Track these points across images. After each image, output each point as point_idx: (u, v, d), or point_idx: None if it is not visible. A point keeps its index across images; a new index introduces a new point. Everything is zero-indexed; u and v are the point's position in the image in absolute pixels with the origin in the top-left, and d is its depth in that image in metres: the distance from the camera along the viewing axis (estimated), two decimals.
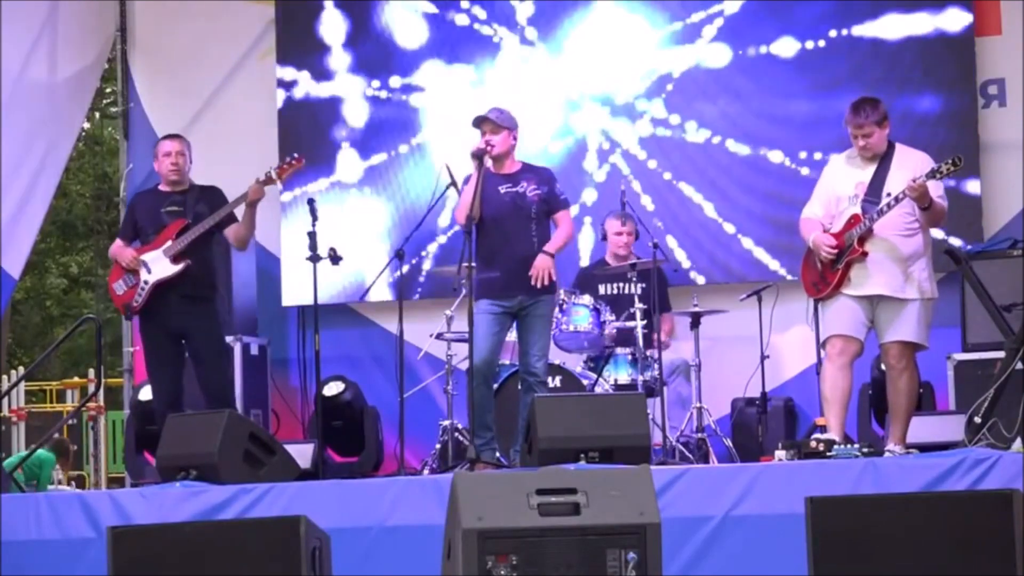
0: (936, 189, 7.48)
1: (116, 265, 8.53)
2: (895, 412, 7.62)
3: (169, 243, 8.35)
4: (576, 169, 10.38)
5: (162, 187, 8.61)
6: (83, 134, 20.64)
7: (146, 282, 8.35)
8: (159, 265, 8.34)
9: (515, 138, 8.23)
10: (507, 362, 8.81)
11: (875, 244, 7.52)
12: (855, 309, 7.58)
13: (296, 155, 8.50)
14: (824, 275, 7.64)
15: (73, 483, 15.93)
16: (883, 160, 7.62)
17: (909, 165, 7.53)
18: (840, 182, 7.71)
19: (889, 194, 7.47)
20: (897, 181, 7.48)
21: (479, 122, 8.17)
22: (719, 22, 10.21)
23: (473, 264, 7.94)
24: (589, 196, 10.36)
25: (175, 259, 8.33)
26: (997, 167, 9.80)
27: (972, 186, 9.69)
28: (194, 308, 8.38)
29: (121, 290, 8.45)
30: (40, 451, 13.36)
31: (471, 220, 7.97)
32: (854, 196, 7.61)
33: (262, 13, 10.93)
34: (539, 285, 8.02)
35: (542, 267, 8.03)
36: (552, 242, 8.15)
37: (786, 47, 10.08)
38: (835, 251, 7.56)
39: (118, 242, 8.63)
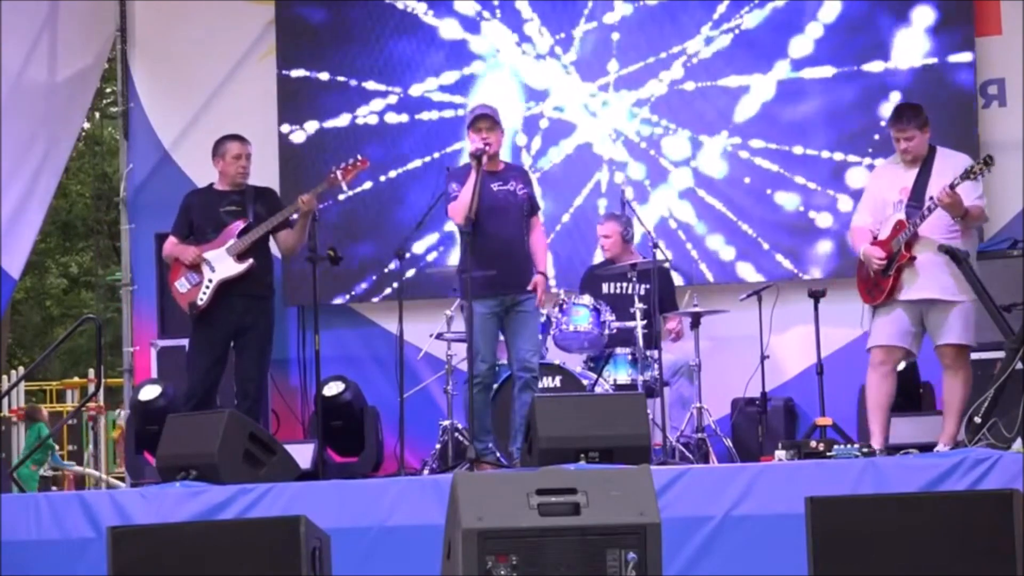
0: (974, 190, 7.61)
1: (176, 263, 8.47)
2: (949, 410, 7.63)
3: (232, 241, 8.34)
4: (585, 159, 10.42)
5: (218, 186, 8.60)
6: (83, 134, 20.61)
7: (211, 280, 8.33)
8: (223, 264, 8.33)
9: (502, 134, 8.26)
10: (503, 362, 8.80)
11: (921, 248, 7.63)
12: (903, 318, 7.67)
13: (360, 156, 8.52)
14: (877, 282, 7.74)
15: (74, 463, 16.02)
16: (924, 164, 7.75)
17: (950, 169, 7.63)
18: (886, 188, 7.86)
19: (931, 198, 7.58)
20: (939, 186, 7.60)
21: (477, 120, 8.15)
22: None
23: (471, 266, 7.93)
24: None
25: (239, 257, 8.32)
26: (997, 167, 9.59)
27: None
28: (254, 306, 8.41)
29: (184, 288, 8.42)
30: (40, 427, 13.84)
31: (470, 220, 7.96)
32: (899, 202, 7.75)
33: (262, 13, 10.91)
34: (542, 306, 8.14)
35: (542, 285, 8.11)
36: (539, 260, 8.22)
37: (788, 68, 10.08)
38: (884, 261, 7.66)
39: (172, 240, 8.59)
